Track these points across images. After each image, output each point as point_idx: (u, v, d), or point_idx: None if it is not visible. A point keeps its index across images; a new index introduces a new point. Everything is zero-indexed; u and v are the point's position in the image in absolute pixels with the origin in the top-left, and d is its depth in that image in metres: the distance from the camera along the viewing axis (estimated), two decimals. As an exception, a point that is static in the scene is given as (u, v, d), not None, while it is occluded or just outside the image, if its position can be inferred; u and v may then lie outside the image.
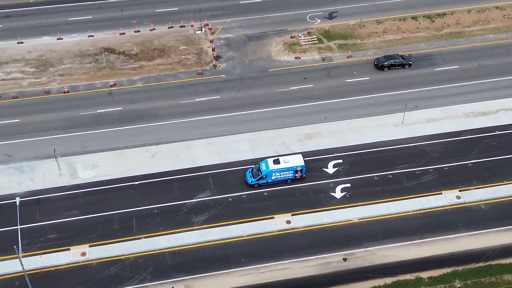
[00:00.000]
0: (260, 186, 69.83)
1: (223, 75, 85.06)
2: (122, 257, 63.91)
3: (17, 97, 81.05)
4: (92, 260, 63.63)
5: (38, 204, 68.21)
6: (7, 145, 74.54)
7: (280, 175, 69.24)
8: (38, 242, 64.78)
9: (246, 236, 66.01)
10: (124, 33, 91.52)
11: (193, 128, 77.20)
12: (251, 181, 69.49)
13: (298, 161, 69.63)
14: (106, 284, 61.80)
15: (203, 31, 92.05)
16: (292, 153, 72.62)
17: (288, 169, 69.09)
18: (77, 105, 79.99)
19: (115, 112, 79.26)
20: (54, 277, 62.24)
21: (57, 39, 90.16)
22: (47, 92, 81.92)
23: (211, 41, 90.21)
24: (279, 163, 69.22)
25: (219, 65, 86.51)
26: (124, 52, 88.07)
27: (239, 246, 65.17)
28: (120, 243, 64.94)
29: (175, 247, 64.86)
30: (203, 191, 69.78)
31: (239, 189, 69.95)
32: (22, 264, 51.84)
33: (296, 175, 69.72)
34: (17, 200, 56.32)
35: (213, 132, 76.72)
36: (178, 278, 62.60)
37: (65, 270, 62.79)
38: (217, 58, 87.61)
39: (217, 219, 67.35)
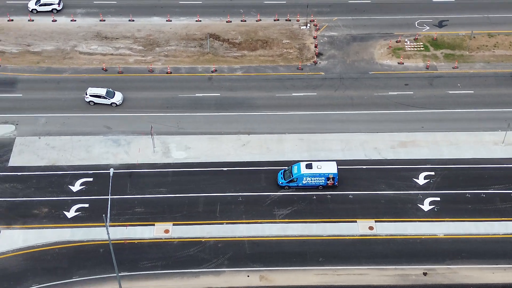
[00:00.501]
0: (290, 188, 69.14)
1: (322, 73, 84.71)
2: (203, 240, 65.19)
3: (122, 73, 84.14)
4: (174, 238, 65.31)
5: (130, 177, 70.67)
6: (108, 118, 77.61)
7: (311, 180, 68.29)
8: (125, 214, 67.18)
9: (326, 236, 65.66)
10: (231, 21, 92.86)
11: (286, 122, 77.44)
12: (282, 183, 68.95)
13: (331, 168, 68.36)
14: (185, 263, 63.29)
15: (308, 27, 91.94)
16: (326, 160, 71.04)
17: (320, 175, 68.00)
18: (177, 87, 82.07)
19: (212, 98, 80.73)
20: (137, 249, 64.38)
21: (166, 20, 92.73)
22: (151, 71, 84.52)
23: (315, 38, 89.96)
24: (312, 168, 68.21)
25: (320, 62, 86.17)
26: (228, 39, 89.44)
27: (318, 245, 64.94)
28: (203, 225, 66.27)
29: (255, 237, 65.47)
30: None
31: (325, 188, 69.56)
32: (108, 233, 53.77)
33: (328, 182, 68.55)
34: (111, 171, 58.37)
35: (306, 128, 76.65)
36: (254, 268, 63.20)
37: (148, 245, 64.81)
38: (318, 55, 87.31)
39: (299, 215, 67.38)
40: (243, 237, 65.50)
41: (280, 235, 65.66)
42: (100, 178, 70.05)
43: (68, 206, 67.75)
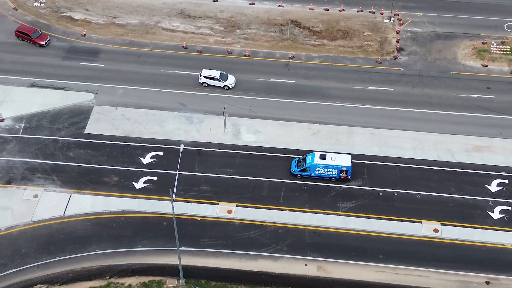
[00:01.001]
0: (302, 177, 68.59)
1: (401, 68, 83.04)
2: (264, 224, 65.55)
3: (201, 52, 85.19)
4: (236, 219, 65.95)
5: (198, 155, 71.73)
6: (183, 94, 78.86)
7: (324, 171, 67.67)
8: (191, 191, 68.31)
9: (388, 233, 64.72)
10: (313, 9, 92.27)
11: (358, 115, 76.49)
12: (294, 171, 68.67)
13: (345, 161, 67.68)
14: (244, 245, 63.87)
15: (391, 21, 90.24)
16: (342, 153, 69.88)
17: (333, 167, 67.28)
18: (254, 70, 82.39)
19: (287, 84, 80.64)
20: (199, 226, 65.44)
21: (250, 3, 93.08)
22: (229, 52, 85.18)
23: (397, 32, 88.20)
24: (325, 159, 67.80)
25: (400, 58, 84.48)
26: (309, 27, 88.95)
27: (379, 241, 64.13)
28: (265, 210, 66.60)
29: (316, 226, 65.29)
30: (355, 179, 69.22)
31: (392, 185, 68.52)
32: (173, 207, 54.74)
33: (341, 174, 67.71)
34: (181, 147, 59.30)
35: (378, 123, 75.50)
36: (312, 257, 63.09)
37: (210, 223, 65.75)
38: (399, 50, 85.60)
39: (363, 210, 66.66)
40: (305, 225, 65.45)
41: (342, 228, 65.21)
42: (170, 153, 71.46)
43: (137, 177, 69.52)
